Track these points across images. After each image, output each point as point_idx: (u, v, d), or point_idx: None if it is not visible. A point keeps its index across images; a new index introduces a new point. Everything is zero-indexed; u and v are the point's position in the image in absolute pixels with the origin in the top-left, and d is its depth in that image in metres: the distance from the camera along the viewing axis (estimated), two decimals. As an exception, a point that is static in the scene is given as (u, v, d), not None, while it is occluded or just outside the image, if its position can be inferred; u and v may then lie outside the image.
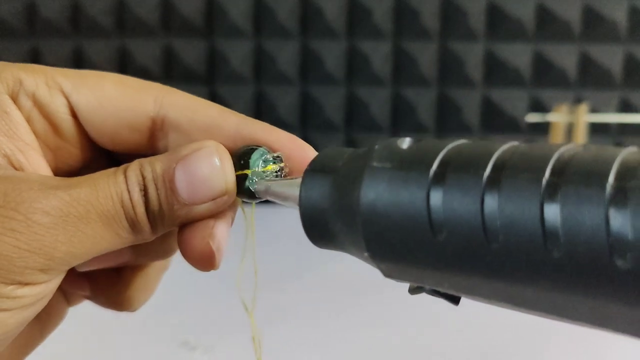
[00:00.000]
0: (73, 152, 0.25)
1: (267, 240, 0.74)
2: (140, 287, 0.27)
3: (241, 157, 0.24)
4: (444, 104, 0.87)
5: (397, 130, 0.88)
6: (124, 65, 0.87)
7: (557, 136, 0.75)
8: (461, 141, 0.19)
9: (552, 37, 0.85)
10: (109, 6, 0.86)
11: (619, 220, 0.15)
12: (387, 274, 0.20)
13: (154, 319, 0.49)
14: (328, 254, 0.73)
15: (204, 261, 0.23)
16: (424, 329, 0.52)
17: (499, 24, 0.85)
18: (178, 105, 0.24)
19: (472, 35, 0.85)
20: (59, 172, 0.25)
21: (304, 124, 0.88)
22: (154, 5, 0.85)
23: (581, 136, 0.70)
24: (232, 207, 0.24)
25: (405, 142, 0.20)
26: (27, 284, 0.21)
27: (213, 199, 0.22)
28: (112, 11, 0.86)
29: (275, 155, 0.25)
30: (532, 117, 0.78)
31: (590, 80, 0.86)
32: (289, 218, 0.82)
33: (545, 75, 0.86)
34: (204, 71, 0.87)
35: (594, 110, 0.85)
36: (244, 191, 0.24)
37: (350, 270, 0.65)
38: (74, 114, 0.24)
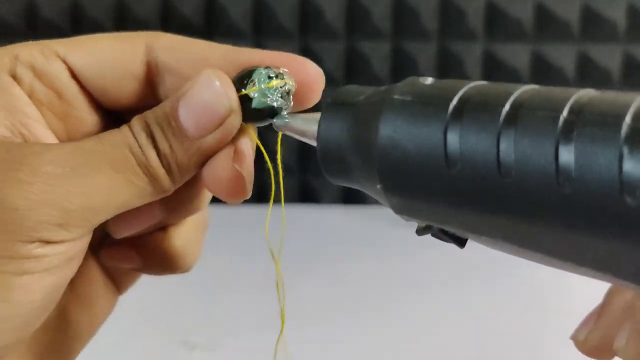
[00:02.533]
0: (82, 118, 0.24)
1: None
2: (187, 244, 0.27)
3: (242, 79, 0.23)
4: (443, 104, 0.87)
5: (397, 130, 0.88)
6: (124, 65, 0.87)
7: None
8: (482, 82, 0.19)
9: (551, 37, 0.85)
10: (109, 6, 0.86)
11: (632, 159, 0.15)
12: (398, 210, 0.21)
13: (152, 319, 0.50)
14: (342, 252, 0.72)
15: (234, 188, 0.23)
16: (438, 329, 0.53)
17: (498, 24, 0.85)
18: (166, 46, 0.24)
19: (471, 35, 0.85)
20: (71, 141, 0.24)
21: (304, 124, 0.88)
22: (154, 5, 0.86)
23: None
24: (246, 135, 0.24)
25: (428, 80, 0.21)
26: (47, 241, 0.20)
27: (220, 124, 0.22)
28: (113, 11, 0.86)
29: (278, 71, 0.24)
30: (531, 117, 0.79)
31: (589, 80, 0.86)
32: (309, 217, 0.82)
33: (544, 75, 0.86)
34: (203, 71, 0.87)
35: (592, 110, 0.85)
36: (252, 113, 0.23)
37: (370, 270, 0.65)
38: (74, 76, 0.24)
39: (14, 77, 0.22)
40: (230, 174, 0.23)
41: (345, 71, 0.87)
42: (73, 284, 0.26)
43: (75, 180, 0.20)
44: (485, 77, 0.86)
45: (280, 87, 0.24)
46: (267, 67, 0.24)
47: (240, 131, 0.24)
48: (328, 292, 0.60)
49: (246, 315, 0.54)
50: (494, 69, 0.86)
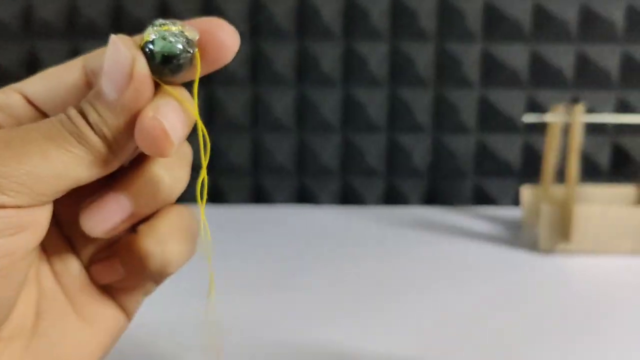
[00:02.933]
0: None
1: (274, 241, 0.74)
2: (161, 241, 0.27)
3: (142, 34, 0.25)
4: (441, 105, 0.87)
5: (394, 131, 0.88)
6: (121, 66, 0.87)
7: (554, 137, 0.75)
8: None
9: (549, 37, 0.85)
10: (106, 8, 0.86)
11: None
12: None
13: (151, 319, 0.49)
14: (340, 253, 0.72)
15: (156, 137, 0.24)
16: (438, 329, 0.52)
17: (496, 24, 0.85)
18: (97, 53, 0.27)
19: (469, 36, 0.85)
20: None
21: (301, 126, 0.88)
22: (151, 7, 0.85)
23: (578, 137, 0.70)
24: (168, 95, 0.25)
25: None
26: None
27: (130, 75, 0.24)
28: (110, 13, 0.86)
29: (172, 20, 0.26)
30: (529, 118, 0.78)
31: (587, 80, 0.86)
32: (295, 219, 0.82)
33: (542, 75, 0.86)
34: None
35: (591, 110, 0.85)
36: (155, 58, 0.24)
37: (362, 272, 0.65)
38: (29, 102, 0.27)
39: None
40: (150, 122, 0.24)
41: (343, 72, 0.86)
42: (76, 305, 0.28)
43: (8, 150, 0.23)
44: (484, 77, 0.86)
45: (180, 33, 0.26)
46: (165, 19, 0.26)
47: (162, 93, 0.25)
48: (326, 292, 0.60)
49: (246, 315, 0.54)
50: (492, 69, 0.86)
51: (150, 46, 0.25)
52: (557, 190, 0.75)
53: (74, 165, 0.24)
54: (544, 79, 0.86)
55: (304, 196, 0.89)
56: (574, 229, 0.69)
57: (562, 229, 0.69)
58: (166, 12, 0.86)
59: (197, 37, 0.26)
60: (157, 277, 0.27)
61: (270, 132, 0.88)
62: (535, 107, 0.86)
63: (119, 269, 0.28)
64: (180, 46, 0.25)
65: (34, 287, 0.27)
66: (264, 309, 0.56)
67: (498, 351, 0.49)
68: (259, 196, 0.89)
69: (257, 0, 0.85)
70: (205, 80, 0.87)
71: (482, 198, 0.89)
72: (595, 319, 0.54)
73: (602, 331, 0.52)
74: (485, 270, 0.66)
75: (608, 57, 0.85)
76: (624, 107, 0.86)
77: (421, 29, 0.85)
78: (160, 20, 0.26)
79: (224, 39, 0.28)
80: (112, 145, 0.24)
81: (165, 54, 0.24)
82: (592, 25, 0.85)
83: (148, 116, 0.24)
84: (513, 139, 0.87)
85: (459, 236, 0.76)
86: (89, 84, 0.27)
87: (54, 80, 0.27)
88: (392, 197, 0.89)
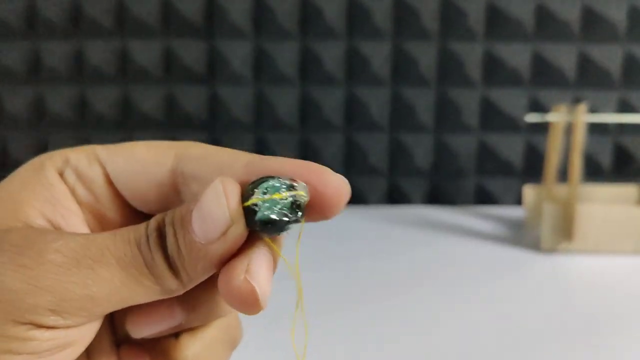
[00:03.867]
0: (113, 218, 0.26)
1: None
2: (200, 355, 0.27)
3: (252, 187, 0.22)
4: (443, 104, 0.87)
5: (397, 130, 0.88)
6: (124, 65, 0.87)
7: (556, 136, 0.75)
8: None
9: (552, 37, 0.85)
10: (109, 7, 0.86)
11: None
12: None
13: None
14: (342, 252, 0.72)
15: (246, 299, 0.22)
16: (438, 328, 0.52)
17: (498, 24, 0.85)
18: (193, 156, 0.25)
19: (472, 36, 0.85)
20: None
21: (304, 125, 0.88)
22: (154, 5, 0.86)
23: (580, 136, 0.70)
24: (262, 245, 0.23)
25: None
26: (40, 325, 0.21)
27: (223, 233, 0.22)
28: (112, 11, 0.86)
29: (287, 182, 0.23)
30: (531, 117, 0.78)
31: (589, 80, 0.86)
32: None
33: (545, 75, 0.86)
34: (203, 72, 0.87)
35: (593, 110, 0.85)
36: (257, 224, 0.22)
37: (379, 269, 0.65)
38: (109, 181, 0.25)
39: (61, 176, 0.25)
40: (241, 285, 0.22)
41: (346, 71, 0.87)
42: None
43: (78, 271, 0.21)
44: (487, 77, 0.86)
45: (288, 200, 0.22)
46: (279, 178, 0.23)
47: (258, 241, 0.23)
48: (327, 292, 0.60)
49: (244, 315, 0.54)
50: (494, 69, 0.86)
51: (255, 208, 0.22)
52: (560, 190, 0.75)
53: (139, 295, 0.22)
54: (546, 78, 0.86)
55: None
56: (576, 228, 0.69)
57: (565, 229, 0.69)
58: (168, 11, 0.86)
59: (306, 201, 0.23)
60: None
61: (273, 131, 0.88)
62: (538, 106, 0.86)
63: None
64: (286, 218, 0.22)
65: None
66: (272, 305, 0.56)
67: (500, 350, 0.49)
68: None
69: (260, -1, 0.85)
70: (208, 80, 0.87)
71: (484, 197, 0.89)
72: (597, 319, 0.55)
73: (604, 331, 0.52)
74: (487, 269, 0.66)
75: (610, 57, 0.85)
76: (626, 107, 0.86)
77: (424, 28, 0.85)
78: (272, 182, 0.23)
79: (332, 199, 0.25)
80: (183, 282, 0.23)
81: (265, 221, 0.22)
82: (594, 25, 0.85)
83: (239, 278, 0.22)
84: (515, 138, 0.88)
85: (461, 235, 0.76)
86: (175, 184, 0.25)
87: (139, 165, 0.25)
88: (395, 196, 0.89)
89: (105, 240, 0.22)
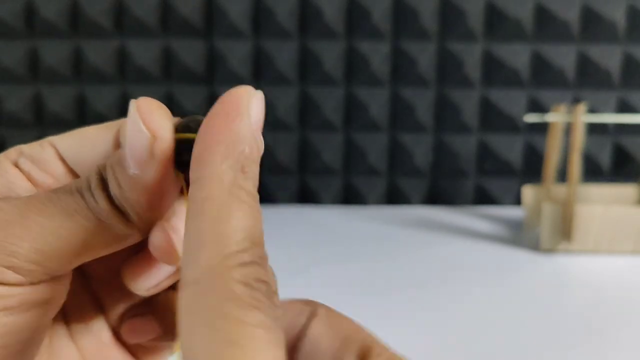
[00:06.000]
0: None
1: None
2: None
3: (189, 122, 0.22)
4: (442, 104, 0.87)
5: (396, 130, 0.88)
6: (123, 65, 0.87)
7: (555, 136, 0.75)
8: None
9: (551, 37, 0.85)
10: (108, 6, 0.86)
11: None
12: None
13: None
14: (341, 252, 0.72)
15: (164, 253, 0.23)
16: (438, 328, 0.52)
17: (498, 24, 0.85)
18: None
19: (471, 36, 0.85)
20: None
21: (303, 124, 0.88)
22: (153, 5, 0.86)
23: (579, 137, 0.70)
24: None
25: None
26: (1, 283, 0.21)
27: (149, 151, 0.21)
28: (111, 11, 0.86)
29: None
30: (531, 117, 0.78)
31: (588, 80, 0.86)
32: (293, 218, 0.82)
33: (544, 75, 0.86)
34: (203, 71, 0.87)
35: (592, 110, 0.85)
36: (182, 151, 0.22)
37: (353, 271, 0.65)
38: (63, 159, 0.26)
39: (16, 165, 0.25)
40: (159, 237, 0.23)
41: (345, 71, 0.87)
42: None
43: (21, 225, 0.21)
44: (486, 77, 0.86)
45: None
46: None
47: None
48: (327, 292, 0.60)
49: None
50: (493, 69, 0.86)
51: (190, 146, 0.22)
52: (559, 190, 0.75)
53: (93, 243, 0.22)
54: (545, 78, 0.86)
55: (305, 196, 0.89)
56: (575, 228, 0.69)
57: (564, 229, 0.69)
58: (168, 11, 0.86)
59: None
60: None
61: (272, 131, 0.88)
62: (537, 107, 0.86)
63: (155, 326, 0.27)
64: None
65: (44, 354, 0.25)
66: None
67: (500, 350, 0.49)
68: (261, 196, 0.89)
69: (259, -1, 0.85)
70: (207, 80, 0.87)
71: (483, 198, 0.89)
72: (597, 318, 0.55)
73: (603, 330, 0.52)
74: (486, 269, 0.66)
75: (609, 57, 0.85)
76: (625, 107, 0.86)
77: (423, 28, 0.85)
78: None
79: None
80: (133, 221, 0.22)
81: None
82: (593, 25, 0.85)
83: (159, 227, 0.22)
84: (514, 138, 0.88)
85: (460, 236, 0.76)
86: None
87: (87, 142, 0.25)
88: (394, 196, 0.89)
89: (48, 194, 0.22)
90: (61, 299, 0.23)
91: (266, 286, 0.18)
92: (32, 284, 0.22)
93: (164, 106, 0.23)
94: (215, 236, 0.19)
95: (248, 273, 0.18)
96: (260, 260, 0.19)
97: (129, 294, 0.26)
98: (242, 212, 0.19)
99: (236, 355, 0.16)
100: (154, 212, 0.22)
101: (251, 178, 0.21)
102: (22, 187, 0.25)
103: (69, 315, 0.26)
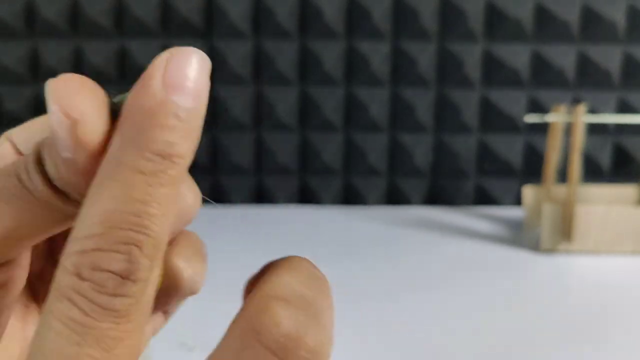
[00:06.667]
0: (34, 188, 0.24)
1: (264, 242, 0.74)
2: (189, 257, 0.25)
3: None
4: (442, 104, 0.87)
5: (396, 130, 0.88)
6: (123, 65, 0.87)
7: (555, 137, 0.75)
8: None
9: (551, 37, 0.85)
10: (108, 7, 0.86)
11: None
12: None
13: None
14: (341, 253, 0.72)
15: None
16: (438, 327, 0.52)
17: (498, 24, 0.85)
18: None
19: (471, 36, 0.85)
20: None
21: (303, 124, 0.88)
22: (153, 5, 0.86)
23: (579, 137, 0.70)
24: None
25: None
26: None
27: (73, 136, 0.20)
28: (111, 12, 0.86)
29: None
30: (531, 118, 0.78)
31: (588, 80, 0.86)
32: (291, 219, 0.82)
33: (544, 75, 0.86)
34: (203, 72, 0.87)
35: (592, 110, 0.85)
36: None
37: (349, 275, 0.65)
38: (20, 153, 0.25)
39: None
40: None
41: (345, 71, 0.87)
42: None
43: None
44: (486, 77, 0.86)
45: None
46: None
47: None
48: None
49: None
50: (493, 69, 0.86)
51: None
52: (559, 190, 0.75)
53: (36, 224, 0.21)
54: (545, 79, 0.86)
55: (306, 196, 0.89)
56: (575, 228, 0.69)
57: (564, 229, 0.69)
58: (168, 11, 0.86)
59: None
60: (184, 296, 0.26)
61: (272, 131, 0.88)
62: (537, 107, 0.86)
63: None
64: None
65: (16, 340, 0.25)
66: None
67: (500, 350, 0.49)
68: (262, 196, 0.89)
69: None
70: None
71: (483, 198, 0.89)
72: (597, 319, 0.55)
73: (603, 330, 0.52)
74: (487, 269, 0.66)
75: (609, 58, 0.85)
76: (625, 108, 0.86)
77: (423, 28, 0.85)
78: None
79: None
80: (77, 199, 0.21)
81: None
82: (593, 25, 0.85)
83: None
84: (514, 139, 0.88)
85: (460, 236, 0.76)
86: None
87: (38, 131, 0.24)
88: (394, 197, 0.89)
89: None
90: (16, 283, 0.23)
91: (108, 275, 0.17)
92: None
93: (88, 82, 0.21)
94: (77, 221, 0.18)
95: (84, 261, 0.17)
96: (117, 247, 0.17)
97: None
98: (109, 191, 0.18)
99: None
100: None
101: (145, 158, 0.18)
102: None
103: (43, 296, 0.25)
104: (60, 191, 0.21)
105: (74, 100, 0.20)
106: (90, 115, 0.20)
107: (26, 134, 0.25)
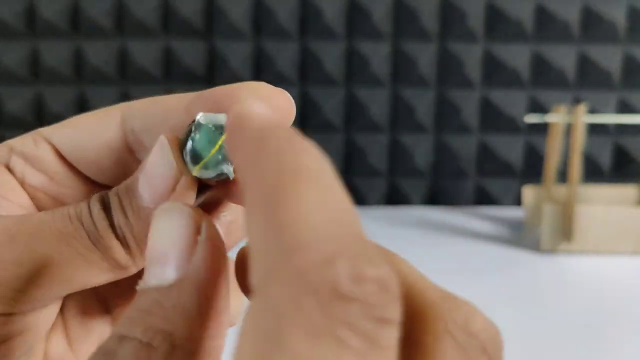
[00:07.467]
0: (74, 195, 0.24)
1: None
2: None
3: (184, 140, 0.20)
4: (443, 105, 0.87)
5: (396, 131, 0.88)
6: (124, 66, 0.87)
7: (555, 137, 0.75)
8: None
9: (551, 37, 0.85)
10: (108, 7, 0.86)
11: None
12: None
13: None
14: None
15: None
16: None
17: (498, 24, 0.85)
18: (137, 108, 0.23)
19: (471, 36, 0.85)
20: None
21: (304, 125, 0.88)
22: (154, 6, 0.86)
23: (579, 137, 0.70)
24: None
25: None
26: None
27: (171, 189, 0.20)
28: (112, 12, 0.86)
29: (216, 124, 0.20)
30: (531, 118, 0.78)
31: (589, 80, 0.86)
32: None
33: (544, 75, 0.86)
34: (203, 72, 0.87)
35: (592, 110, 0.85)
36: (203, 180, 0.20)
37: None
38: (60, 155, 0.23)
39: (7, 167, 0.23)
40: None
41: (346, 72, 0.87)
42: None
43: (10, 249, 0.19)
44: (486, 77, 0.86)
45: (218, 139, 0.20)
46: (211, 121, 0.20)
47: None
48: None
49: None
50: (493, 70, 0.86)
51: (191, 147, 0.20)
52: (559, 191, 0.75)
53: (88, 273, 0.20)
54: (545, 79, 0.86)
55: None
56: (575, 229, 0.69)
57: (564, 229, 0.69)
58: (168, 11, 0.86)
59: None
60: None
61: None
62: (537, 107, 0.86)
63: None
64: (229, 170, 0.20)
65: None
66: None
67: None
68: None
69: (260, 0, 0.85)
70: (207, 81, 0.87)
71: (484, 198, 0.89)
72: (597, 319, 0.55)
73: (603, 330, 0.52)
74: (487, 270, 0.66)
75: (609, 58, 0.85)
76: (625, 108, 0.86)
77: (423, 29, 0.85)
78: (207, 127, 0.20)
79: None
80: (134, 253, 0.20)
81: (213, 178, 0.20)
82: (593, 25, 0.85)
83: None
84: (515, 139, 0.88)
85: (461, 236, 0.76)
86: (128, 144, 0.23)
87: (87, 135, 0.23)
88: (394, 197, 0.89)
89: (42, 217, 0.20)
90: (47, 325, 0.21)
91: None
92: (12, 314, 0.19)
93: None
94: None
95: None
96: None
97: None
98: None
99: None
100: None
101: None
102: (13, 193, 0.22)
103: (70, 321, 0.24)
104: (121, 242, 0.20)
105: (178, 160, 0.20)
106: (190, 178, 0.20)
107: (68, 135, 0.23)
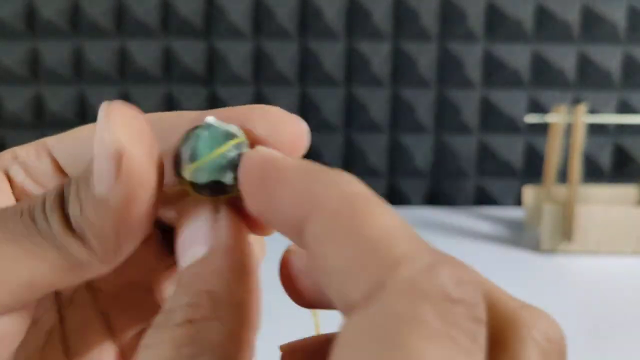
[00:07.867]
0: None
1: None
2: None
3: (182, 143, 0.19)
4: (443, 105, 0.87)
5: (396, 131, 0.88)
6: (124, 66, 0.87)
7: (555, 137, 0.75)
8: None
9: (551, 37, 0.85)
10: (108, 7, 0.86)
11: None
12: None
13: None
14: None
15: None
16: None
17: (498, 24, 0.85)
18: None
19: (471, 36, 0.85)
20: None
21: (303, 125, 0.88)
22: (154, 6, 0.86)
23: (580, 137, 0.70)
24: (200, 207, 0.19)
25: None
26: None
27: (116, 168, 0.17)
28: (112, 12, 0.86)
29: (226, 129, 0.19)
30: (531, 118, 0.78)
31: (589, 81, 0.86)
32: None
33: (544, 76, 0.86)
34: (203, 72, 0.87)
35: (592, 111, 0.85)
36: (195, 186, 0.19)
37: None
38: (60, 170, 0.22)
39: (7, 174, 0.22)
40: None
41: (345, 72, 0.87)
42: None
43: None
44: (486, 77, 0.86)
45: (231, 150, 0.19)
46: (218, 127, 0.19)
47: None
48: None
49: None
50: (494, 70, 0.86)
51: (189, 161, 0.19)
52: (559, 191, 0.75)
53: (44, 272, 0.18)
54: (545, 79, 0.86)
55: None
56: (575, 229, 0.69)
57: (564, 229, 0.69)
58: (168, 11, 0.86)
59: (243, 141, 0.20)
60: None
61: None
62: (537, 107, 0.86)
63: None
64: (227, 178, 0.19)
65: None
66: (270, 309, 0.56)
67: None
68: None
69: (260, 0, 0.85)
70: (207, 81, 0.87)
71: (484, 198, 0.89)
72: (597, 319, 0.55)
73: (603, 331, 0.52)
74: (487, 270, 0.66)
75: (610, 58, 0.85)
76: (625, 108, 0.86)
77: (423, 29, 0.85)
78: (212, 130, 0.19)
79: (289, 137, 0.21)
80: (96, 249, 0.18)
81: (206, 184, 0.19)
82: (593, 25, 0.85)
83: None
84: (515, 139, 0.88)
85: (461, 236, 0.76)
86: None
87: (85, 147, 0.21)
88: (394, 197, 0.89)
89: None
90: (15, 335, 0.20)
91: None
92: None
93: (140, 116, 0.19)
94: None
95: None
96: None
97: (145, 311, 0.22)
98: None
99: None
100: (122, 240, 0.18)
101: None
102: (4, 198, 0.21)
103: (69, 335, 0.23)
104: (79, 238, 0.18)
105: (129, 128, 0.18)
106: (143, 154, 0.18)
107: (69, 147, 0.22)
